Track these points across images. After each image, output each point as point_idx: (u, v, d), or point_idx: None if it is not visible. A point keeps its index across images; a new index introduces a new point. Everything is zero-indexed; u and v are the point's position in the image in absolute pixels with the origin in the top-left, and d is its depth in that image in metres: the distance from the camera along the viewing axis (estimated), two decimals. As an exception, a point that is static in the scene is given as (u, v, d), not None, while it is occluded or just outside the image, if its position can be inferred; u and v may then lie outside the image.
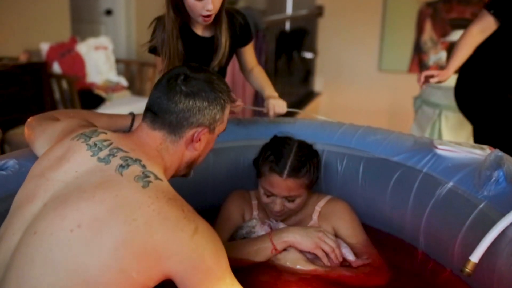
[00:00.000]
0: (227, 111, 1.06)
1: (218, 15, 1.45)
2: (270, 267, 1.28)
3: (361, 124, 1.72)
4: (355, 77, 4.98)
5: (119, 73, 4.14)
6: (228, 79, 1.81)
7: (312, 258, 1.30)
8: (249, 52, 1.66)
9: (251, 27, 1.64)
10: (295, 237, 1.28)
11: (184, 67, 1.02)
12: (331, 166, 1.63)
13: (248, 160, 1.64)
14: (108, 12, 4.72)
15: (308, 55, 5.08)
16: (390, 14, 4.71)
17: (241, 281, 0.90)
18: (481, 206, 1.21)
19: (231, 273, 0.89)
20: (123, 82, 3.97)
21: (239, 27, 1.56)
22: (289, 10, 6.49)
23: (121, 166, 0.89)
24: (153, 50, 1.53)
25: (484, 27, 1.89)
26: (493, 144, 1.46)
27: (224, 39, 1.50)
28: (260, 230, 1.36)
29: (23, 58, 3.28)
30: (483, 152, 1.37)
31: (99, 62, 3.83)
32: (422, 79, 1.91)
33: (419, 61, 4.70)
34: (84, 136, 0.97)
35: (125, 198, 0.83)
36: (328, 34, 4.99)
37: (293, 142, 1.36)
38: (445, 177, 1.34)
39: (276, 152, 1.33)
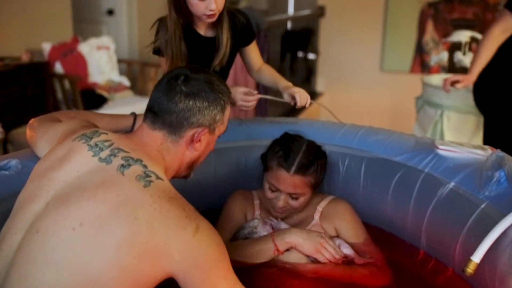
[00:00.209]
0: (227, 113, 1.06)
1: (219, 15, 1.45)
2: (272, 267, 1.28)
3: (363, 124, 1.72)
4: (357, 77, 4.98)
5: (121, 73, 4.15)
6: (229, 81, 1.81)
7: (314, 258, 1.30)
8: (254, 52, 1.65)
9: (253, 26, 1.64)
10: (297, 239, 1.28)
11: (184, 68, 1.03)
12: (333, 166, 1.63)
13: (250, 161, 1.65)
14: (110, 12, 4.73)
15: (310, 55, 5.07)
16: (392, 15, 4.71)
17: (243, 281, 0.90)
18: (482, 206, 1.21)
19: (233, 272, 0.89)
20: (125, 82, 3.98)
21: (240, 27, 1.56)
22: (291, 10, 6.49)
23: (123, 166, 0.89)
24: (157, 51, 1.52)
25: (506, 27, 1.87)
26: (506, 142, 1.45)
27: (225, 39, 1.50)
28: (262, 230, 1.36)
29: (25, 58, 3.28)
30: (484, 153, 1.37)
31: (101, 62, 3.84)
32: (448, 85, 1.90)
33: (421, 61, 4.70)
34: (85, 137, 0.98)
35: (127, 197, 0.84)
36: (330, 34, 4.99)
37: (303, 141, 1.37)
38: (447, 177, 1.34)
39: (286, 148, 1.34)
